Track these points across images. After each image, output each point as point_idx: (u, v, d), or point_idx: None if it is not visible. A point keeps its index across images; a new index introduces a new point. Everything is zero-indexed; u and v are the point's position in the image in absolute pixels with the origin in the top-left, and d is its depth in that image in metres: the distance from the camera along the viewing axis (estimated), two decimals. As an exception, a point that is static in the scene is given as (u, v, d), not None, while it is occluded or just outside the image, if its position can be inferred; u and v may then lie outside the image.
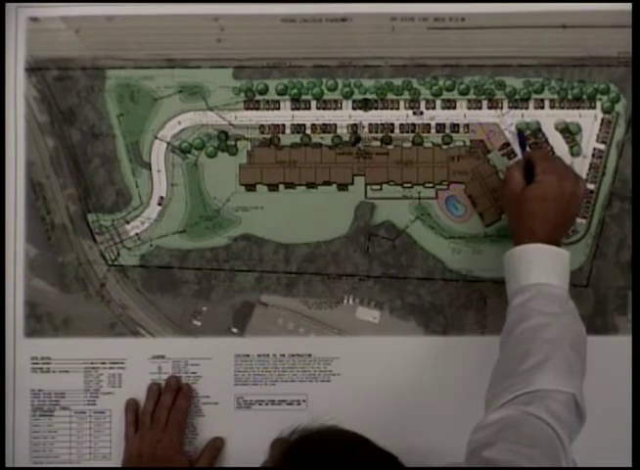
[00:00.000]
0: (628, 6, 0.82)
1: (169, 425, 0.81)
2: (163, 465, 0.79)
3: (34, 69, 0.85)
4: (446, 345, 0.85)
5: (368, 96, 0.86)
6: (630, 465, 0.74)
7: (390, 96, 0.85)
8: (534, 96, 0.85)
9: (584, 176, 0.84)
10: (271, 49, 0.85)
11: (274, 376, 0.85)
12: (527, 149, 0.84)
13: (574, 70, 0.85)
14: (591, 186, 0.85)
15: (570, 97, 0.85)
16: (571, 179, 0.76)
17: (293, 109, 0.86)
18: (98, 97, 0.85)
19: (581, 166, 0.85)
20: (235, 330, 0.86)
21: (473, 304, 0.85)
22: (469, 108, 0.86)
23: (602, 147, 0.85)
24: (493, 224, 0.85)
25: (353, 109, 0.86)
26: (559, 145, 0.85)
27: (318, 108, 0.86)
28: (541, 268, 0.73)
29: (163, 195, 0.86)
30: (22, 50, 0.85)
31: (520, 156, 0.84)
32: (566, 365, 0.68)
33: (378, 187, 0.86)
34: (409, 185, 0.86)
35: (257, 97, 0.86)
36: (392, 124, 0.86)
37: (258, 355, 0.85)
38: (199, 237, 0.86)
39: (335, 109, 0.86)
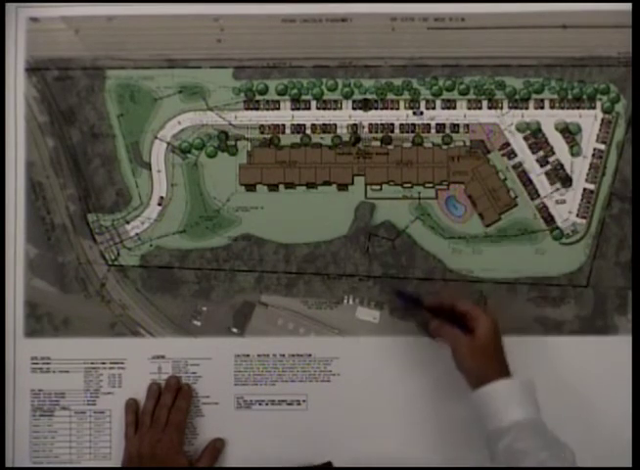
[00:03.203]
0: (628, 6, 0.82)
1: (169, 425, 0.81)
2: (163, 465, 0.79)
3: (34, 69, 0.85)
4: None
5: (368, 96, 0.86)
6: (630, 465, 0.74)
7: (390, 96, 0.85)
8: (534, 96, 0.85)
9: (584, 176, 0.85)
10: (271, 49, 0.85)
11: (274, 376, 0.85)
12: (420, 299, 0.82)
13: (574, 70, 0.85)
14: (591, 186, 0.85)
15: (570, 97, 0.85)
16: (488, 313, 0.77)
17: (293, 109, 0.86)
18: (98, 97, 0.85)
19: (581, 166, 0.85)
20: (235, 330, 0.86)
21: (473, 304, 0.85)
22: (469, 108, 0.86)
23: (602, 147, 0.85)
24: (493, 224, 0.85)
25: (353, 109, 0.86)
26: (559, 145, 0.85)
27: (318, 108, 0.86)
28: (516, 404, 0.72)
29: (163, 195, 0.86)
30: (21, 50, 0.85)
31: (421, 310, 0.82)
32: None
33: (378, 187, 0.86)
34: (409, 185, 0.86)
35: (257, 97, 0.86)
36: (392, 124, 0.86)
37: (258, 355, 0.85)
38: (199, 237, 0.86)
39: (335, 109, 0.86)
